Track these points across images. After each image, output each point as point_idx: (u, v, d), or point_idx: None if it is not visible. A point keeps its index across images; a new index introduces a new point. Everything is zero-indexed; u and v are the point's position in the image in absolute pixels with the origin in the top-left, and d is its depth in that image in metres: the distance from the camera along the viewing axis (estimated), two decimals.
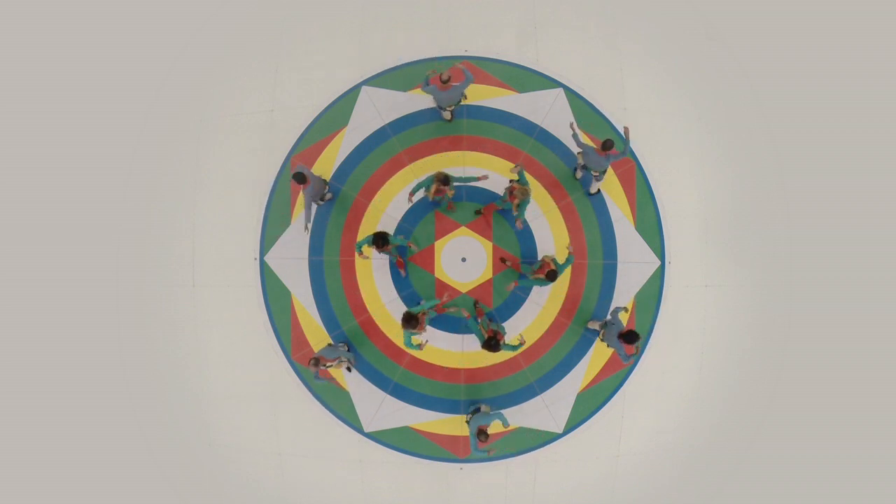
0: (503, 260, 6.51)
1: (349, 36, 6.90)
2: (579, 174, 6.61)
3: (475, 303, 6.52)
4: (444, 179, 5.38)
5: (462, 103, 6.38)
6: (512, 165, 6.14)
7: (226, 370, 6.75)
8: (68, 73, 6.67)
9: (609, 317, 5.92)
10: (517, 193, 5.42)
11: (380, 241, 5.35)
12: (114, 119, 6.86)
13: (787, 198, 6.97)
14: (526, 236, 6.63)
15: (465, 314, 5.79)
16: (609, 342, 5.83)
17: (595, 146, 5.71)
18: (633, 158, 6.76)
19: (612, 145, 5.47)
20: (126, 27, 6.81)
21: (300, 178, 5.47)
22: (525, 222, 5.57)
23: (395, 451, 6.69)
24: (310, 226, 6.15)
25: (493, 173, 6.51)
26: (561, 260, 6.26)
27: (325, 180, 6.26)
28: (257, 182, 6.77)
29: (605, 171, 6.01)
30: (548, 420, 6.70)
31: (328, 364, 5.78)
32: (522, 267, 6.38)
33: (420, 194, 6.38)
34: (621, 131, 6.55)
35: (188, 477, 6.95)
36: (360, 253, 5.62)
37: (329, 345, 6.12)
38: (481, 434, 5.45)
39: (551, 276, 5.30)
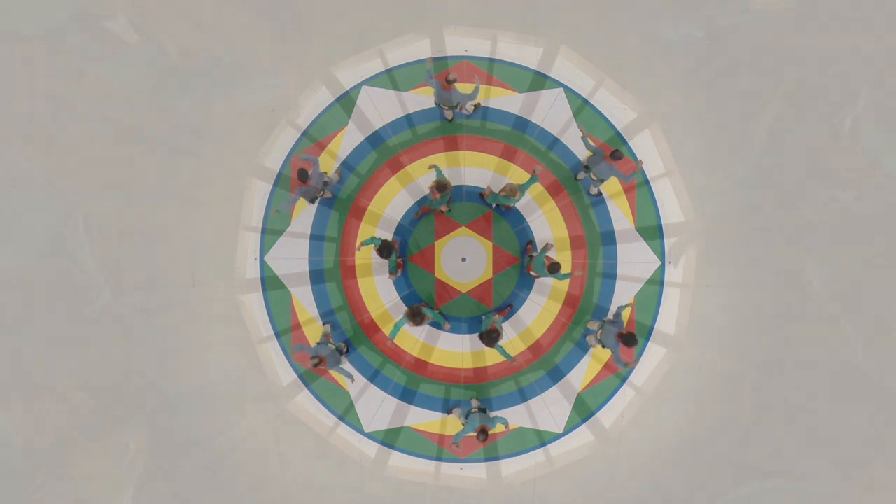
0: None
1: (349, 35, 6.89)
2: (581, 175, 6.62)
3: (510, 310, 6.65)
4: (441, 185, 5.62)
5: (461, 111, 6.41)
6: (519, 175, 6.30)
7: (225, 370, 6.74)
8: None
9: (611, 316, 5.92)
10: (507, 188, 5.76)
11: (384, 251, 5.68)
12: (113, 119, 6.85)
13: (787, 198, 6.96)
14: (526, 236, 6.64)
15: (496, 317, 5.98)
16: (605, 342, 5.83)
17: (605, 151, 5.88)
18: (633, 159, 6.76)
19: (621, 156, 5.65)
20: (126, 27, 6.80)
21: (302, 177, 5.59)
22: (493, 196, 6.00)
23: (395, 451, 6.69)
24: (280, 212, 6.55)
25: (494, 173, 6.61)
26: (566, 270, 6.45)
27: (326, 181, 6.27)
28: (257, 182, 6.76)
29: (604, 180, 6.22)
30: (548, 420, 6.70)
31: (329, 368, 5.83)
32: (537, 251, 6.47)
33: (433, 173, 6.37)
34: (637, 156, 6.71)
35: (188, 477, 6.94)
36: (359, 250, 5.80)
37: (337, 350, 6.13)
38: (482, 433, 5.45)
39: (552, 269, 5.60)
